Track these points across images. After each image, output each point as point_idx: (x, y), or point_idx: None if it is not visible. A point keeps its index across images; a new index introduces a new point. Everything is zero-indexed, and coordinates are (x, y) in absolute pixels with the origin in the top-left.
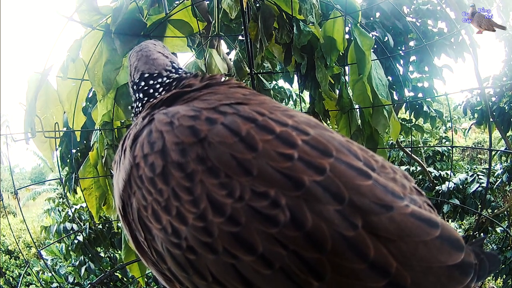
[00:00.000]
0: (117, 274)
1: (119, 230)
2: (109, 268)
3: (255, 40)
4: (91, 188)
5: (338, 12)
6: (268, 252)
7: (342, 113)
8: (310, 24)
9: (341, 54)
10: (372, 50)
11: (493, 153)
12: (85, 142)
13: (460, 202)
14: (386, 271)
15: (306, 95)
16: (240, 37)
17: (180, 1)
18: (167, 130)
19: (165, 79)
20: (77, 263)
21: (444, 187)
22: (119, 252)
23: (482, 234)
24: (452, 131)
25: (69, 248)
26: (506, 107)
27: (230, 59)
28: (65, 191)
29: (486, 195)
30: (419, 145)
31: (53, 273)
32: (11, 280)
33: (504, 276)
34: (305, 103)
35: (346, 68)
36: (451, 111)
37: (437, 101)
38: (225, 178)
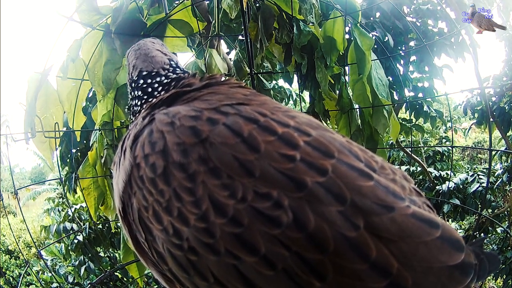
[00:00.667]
0: (117, 274)
1: (119, 230)
2: (109, 268)
3: (255, 40)
4: (90, 188)
5: (338, 12)
6: (270, 253)
7: (342, 113)
8: (310, 24)
9: (341, 54)
10: (372, 50)
11: (493, 153)
12: (85, 142)
13: (460, 202)
14: (387, 271)
15: (306, 95)
16: (240, 37)
17: (180, 1)
18: (168, 130)
19: (163, 78)
20: (77, 263)
21: (444, 187)
22: (119, 251)
23: (482, 234)
24: (452, 131)
25: (69, 248)
26: (506, 107)
27: (230, 59)
28: (65, 191)
29: (486, 195)
30: (419, 145)
31: (53, 273)
32: (11, 280)
33: (504, 276)
34: (305, 103)
35: (346, 68)
36: (451, 111)
37: (437, 101)
38: (227, 179)
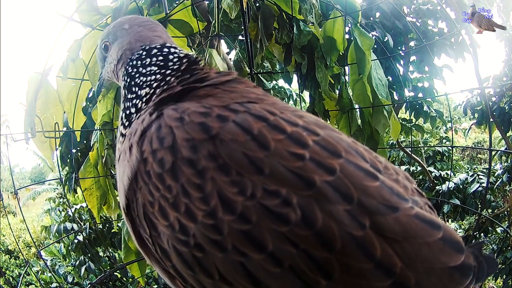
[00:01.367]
0: (116, 274)
1: (119, 230)
2: (109, 268)
3: (255, 40)
4: (91, 188)
5: (338, 12)
6: (278, 251)
7: (342, 113)
8: (310, 24)
9: (341, 54)
10: (372, 50)
11: (493, 153)
12: (85, 142)
13: (460, 202)
14: (391, 271)
15: (306, 95)
16: (240, 37)
17: (180, 1)
18: (177, 125)
19: (172, 57)
20: (77, 263)
21: (444, 187)
22: (119, 252)
23: (482, 234)
24: (452, 131)
25: (69, 248)
26: (506, 107)
27: (230, 59)
28: (65, 191)
29: (486, 195)
30: (419, 145)
31: (52, 273)
32: (11, 280)
33: (504, 276)
34: (305, 103)
35: (346, 68)
36: (451, 111)
37: (437, 101)
38: (237, 176)
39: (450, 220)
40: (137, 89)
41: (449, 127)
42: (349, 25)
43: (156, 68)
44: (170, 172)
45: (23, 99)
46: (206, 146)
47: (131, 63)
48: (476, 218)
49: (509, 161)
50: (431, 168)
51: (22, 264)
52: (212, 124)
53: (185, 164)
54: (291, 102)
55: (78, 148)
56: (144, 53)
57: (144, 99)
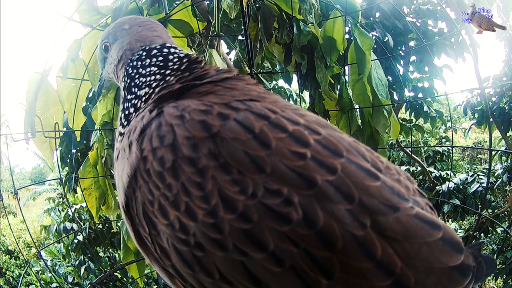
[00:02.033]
0: (116, 274)
1: (119, 230)
2: (109, 268)
3: (255, 40)
4: (91, 188)
5: (338, 12)
6: (279, 250)
7: (342, 113)
8: (310, 24)
9: (341, 54)
10: (372, 50)
11: (493, 153)
12: (85, 142)
13: (461, 202)
14: (391, 270)
15: (306, 95)
16: (240, 37)
17: (180, 1)
18: (178, 123)
19: (175, 56)
20: (77, 263)
21: (444, 187)
22: (119, 252)
23: (482, 234)
24: (452, 131)
25: (69, 248)
26: (506, 107)
27: (230, 59)
28: (65, 191)
29: (486, 195)
30: (419, 145)
31: (52, 273)
32: (11, 280)
33: (504, 276)
34: (305, 103)
35: (346, 68)
36: (451, 111)
37: (437, 101)
38: (238, 175)
39: (450, 220)
40: (136, 89)
41: (449, 127)
42: (349, 25)
43: (156, 68)
44: (170, 171)
45: (23, 99)
46: (206, 144)
47: (131, 64)
48: (476, 218)
49: (509, 161)
50: (431, 169)
51: (22, 265)
52: (213, 122)
53: (186, 162)
54: (291, 102)
55: (78, 148)
56: (144, 53)
57: (143, 98)
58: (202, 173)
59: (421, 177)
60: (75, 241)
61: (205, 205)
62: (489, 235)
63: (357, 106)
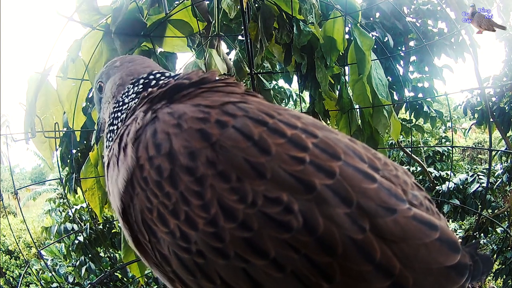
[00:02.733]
0: (117, 274)
1: (119, 230)
2: (109, 268)
3: (255, 40)
4: (93, 189)
5: (338, 12)
6: (280, 257)
7: (342, 113)
8: (310, 24)
9: (341, 54)
10: (372, 50)
11: (493, 153)
12: (85, 142)
13: (460, 202)
14: (390, 272)
15: (306, 95)
16: (240, 37)
17: (180, 1)
18: (175, 132)
19: (160, 78)
20: (78, 263)
21: (444, 187)
22: (119, 252)
23: (482, 234)
24: (452, 131)
25: (70, 249)
26: (506, 107)
27: (230, 59)
28: (65, 191)
29: (486, 195)
30: (419, 145)
31: (53, 273)
32: (11, 280)
33: (504, 276)
34: (305, 103)
35: (346, 68)
36: (451, 111)
37: (437, 101)
38: (237, 183)
39: (450, 220)
40: (119, 114)
41: (449, 127)
42: (349, 25)
43: (138, 88)
44: (168, 180)
45: (23, 99)
46: (204, 152)
47: (119, 98)
48: (476, 218)
49: (509, 161)
50: (431, 169)
51: (23, 265)
52: (212, 130)
53: (184, 171)
54: (291, 102)
55: (78, 149)
56: (131, 86)
57: (129, 111)
58: (200, 182)
59: (421, 177)
60: (76, 241)
61: (205, 214)
62: (489, 235)
63: (357, 106)
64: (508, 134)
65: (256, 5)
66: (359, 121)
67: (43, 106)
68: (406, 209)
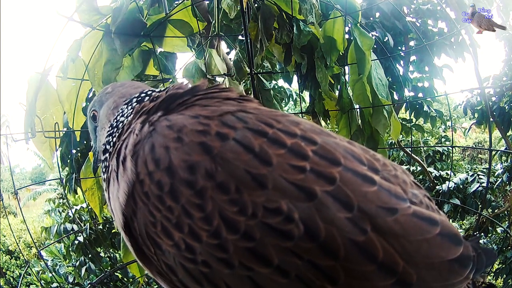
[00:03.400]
0: (117, 274)
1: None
2: (109, 268)
3: (255, 40)
4: (93, 189)
5: (338, 12)
6: (284, 263)
7: (342, 113)
8: (310, 24)
9: (341, 54)
10: (371, 50)
11: (493, 153)
12: (85, 142)
13: (461, 202)
14: (393, 270)
15: (306, 95)
16: (240, 37)
17: (180, 1)
18: (176, 146)
19: (150, 92)
20: (78, 263)
21: (444, 187)
22: (119, 252)
23: (482, 234)
24: (452, 130)
25: (70, 249)
26: (506, 107)
27: (230, 59)
28: (66, 191)
29: (487, 195)
30: (419, 145)
31: (53, 273)
32: (12, 280)
33: (505, 275)
34: (305, 103)
35: (346, 68)
36: (451, 111)
37: (437, 101)
38: (236, 194)
39: (450, 220)
40: (115, 131)
41: (449, 126)
42: (349, 25)
43: (132, 106)
44: (169, 194)
45: (23, 99)
46: (203, 165)
47: (114, 120)
48: (477, 218)
49: (509, 161)
50: (431, 169)
51: (23, 265)
52: (213, 143)
53: (184, 185)
54: (291, 102)
55: (78, 149)
56: (125, 106)
57: (122, 128)
58: (200, 194)
59: (421, 177)
60: (76, 241)
61: (207, 227)
62: (489, 235)
63: (357, 106)
64: (508, 134)
65: (256, 5)
66: (359, 121)
67: (43, 106)
68: (406, 207)
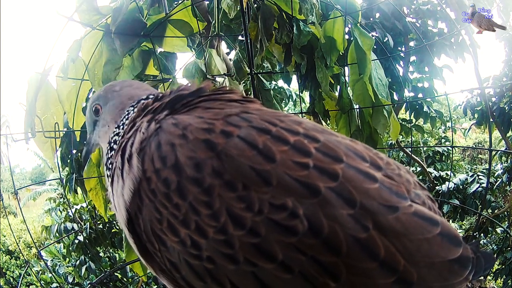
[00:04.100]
0: (117, 274)
1: (119, 230)
2: (109, 268)
3: (255, 40)
4: (96, 189)
5: (338, 12)
6: (288, 259)
7: (342, 113)
8: (310, 24)
9: (341, 54)
10: (371, 50)
11: (493, 153)
12: (85, 142)
13: (460, 203)
14: (394, 268)
15: (305, 95)
16: (240, 37)
17: (180, 1)
18: (181, 143)
19: (153, 96)
20: (77, 263)
21: (444, 187)
22: (119, 252)
23: (482, 234)
24: (452, 131)
25: (70, 248)
26: (506, 107)
27: (230, 59)
28: (66, 191)
29: (486, 195)
30: (419, 145)
31: (53, 273)
32: (12, 280)
33: (504, 276)
34: (305, 103)
35: (346, 68)
36: (451, 111)
37: (437, 101)
38: (243, 191)
39: (450, 221)
40: (120, 132)
41: (449, 127)
42: (349, 25)
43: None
44: (176, 191)
45: (23, 99)
46: (210, 162)
47: (120, 122)
48: (476, 218)
49: (509, 161)
50: (431, 169)
51: (23, 265)
52: (217, 140)
53: (191, 182)
54: (290, 102)
55: (79, 149)
56: (131, 108)
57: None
58: (208, 192)
59: (421, 177)
60: (76, 241)
61: (214, 223)
62: (489, 235)
63: (357, 106)
64: (508, 134)
65: (256, 5)
66: (359, 121)
67: (43, 106)
68: (408, 206)
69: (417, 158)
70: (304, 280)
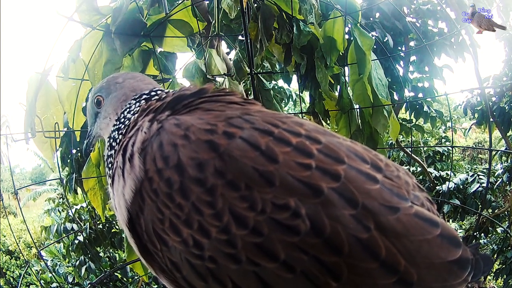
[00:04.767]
0: (117, 274)
1: (119, 230)
2: (109, 268)
3: (255, 40)
4: (95, 188)
5: (338, 12)
6: (290, 259)
7: (342, 113)
8: (310, 24)
9: (341, 54)
10: (371, 50)
11: (493, 153)
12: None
13: (461, 202)
14: (395, 269)
15: (306, 95)
16: (240, 37)
17: (180, 1)
18: (183, 144)
19: (160, 92)
20: (77, 263)
21: (444, 187)
22: (119, 252)
23: (482, 234)
24: (452, 131)
25: (69, 248)
26: (506, 107)
27: (230, 59)
28: (66, 191)
29: (487, 195)
30: (419, 145)
31: (53, 273)
32: (12, 280)
33: (505, 276)
34: (305, 103)
35: (346, 68)
36: (451, 111)
37: (437, 101)
38: (246, 191)
39: (450, 220)
40: (121, 127)
41: (449, 127)
42: (349, 25)
43: (138, 105)
44: (179, 191)
45: (23, 99)
46: (212, 163)
47: (122, 113)
48: (476, 218)
49: (509, 161)
50: (431, 169)
51: (23, 265)
52: (220, 141)
53: (194, 183)
54: (290, 102)
55: (78, 149)
56: (133, 101)
57: (127, 125)
58: (211, 192)
59: (421, 177)
60: (76, 241)
61: (217, 223)
62: (489, 235)
63: (357, 106)
64: (508, 134)
65: (256, 5)
66: (359, 121)
67: (43, 106)
68: (408, 207)
69: (417, 158)
70: (306, 279)
